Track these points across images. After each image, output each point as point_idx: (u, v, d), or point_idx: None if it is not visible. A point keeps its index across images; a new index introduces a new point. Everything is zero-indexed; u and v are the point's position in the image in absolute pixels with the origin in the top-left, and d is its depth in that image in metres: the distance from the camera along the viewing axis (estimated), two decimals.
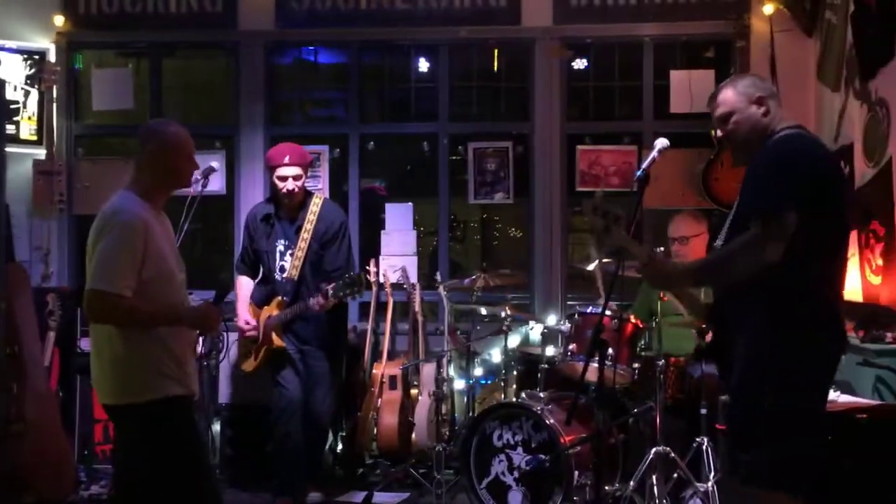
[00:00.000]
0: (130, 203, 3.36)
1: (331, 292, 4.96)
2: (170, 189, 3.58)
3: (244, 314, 5.29)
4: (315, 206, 5.25)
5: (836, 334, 2.97)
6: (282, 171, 5.14)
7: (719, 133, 3.15)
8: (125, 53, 6.95)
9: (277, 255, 5.28)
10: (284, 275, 5.24)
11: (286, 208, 5.28)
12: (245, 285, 5.43)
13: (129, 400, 3.34)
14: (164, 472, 3.33)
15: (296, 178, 5.14)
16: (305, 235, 5.19)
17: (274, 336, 5.18)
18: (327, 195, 6.21)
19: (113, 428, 4.27)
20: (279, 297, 5.21)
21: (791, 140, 2.97)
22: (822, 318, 2.92)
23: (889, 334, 4.49)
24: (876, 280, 4.92)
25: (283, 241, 5.27)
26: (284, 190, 5.15)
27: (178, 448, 3.36)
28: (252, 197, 6.34)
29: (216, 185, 6.21)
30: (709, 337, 3.42)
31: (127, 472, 3.59)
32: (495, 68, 6.89)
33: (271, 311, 5.22)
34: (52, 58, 6.55)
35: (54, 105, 6.43)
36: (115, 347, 3.34)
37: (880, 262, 4.87)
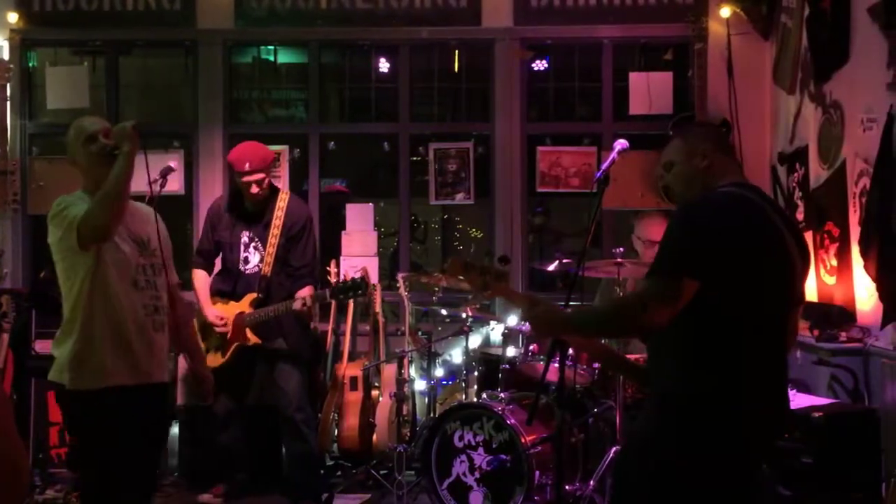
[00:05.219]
0: None
1: (328, 293, 5.01)
2: None
3: (212, 309, 5.19)
4: (282, 201, 5.24)
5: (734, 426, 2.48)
6: (246, 179, 5.12)
7: (661, 181, 2.88)
8: (81, 51, 6.84)
9: (241, 246, 5.23)
10: (249, 267, 5.21)
11: (251, 203, 5.26)
12: (202, 280, 5.32)
13: None
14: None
15: (259, 182, 5.13)
16: (275, 231, 5.17)
17: (248, 332, 5.13)
18: None
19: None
20: (254, 295, 5.15)
21: (709, 202, 2.62)
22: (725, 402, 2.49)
23: (843, 334, 4.56)
24: (830, 280, 4.99)
25: (247, 233, 5.23)
26: (250, 192, 5.15)
27: None
28: (211, 196, 6.26)
29: (175, 184, 6.13)
30: None
31: None
32: (456, 69, 6.90)
33: (242, 307, 5.16)
34: (5, 55, 6.43)
35: (8, 103, 6.31)
36: None
37: (834, 262, 4.94)
